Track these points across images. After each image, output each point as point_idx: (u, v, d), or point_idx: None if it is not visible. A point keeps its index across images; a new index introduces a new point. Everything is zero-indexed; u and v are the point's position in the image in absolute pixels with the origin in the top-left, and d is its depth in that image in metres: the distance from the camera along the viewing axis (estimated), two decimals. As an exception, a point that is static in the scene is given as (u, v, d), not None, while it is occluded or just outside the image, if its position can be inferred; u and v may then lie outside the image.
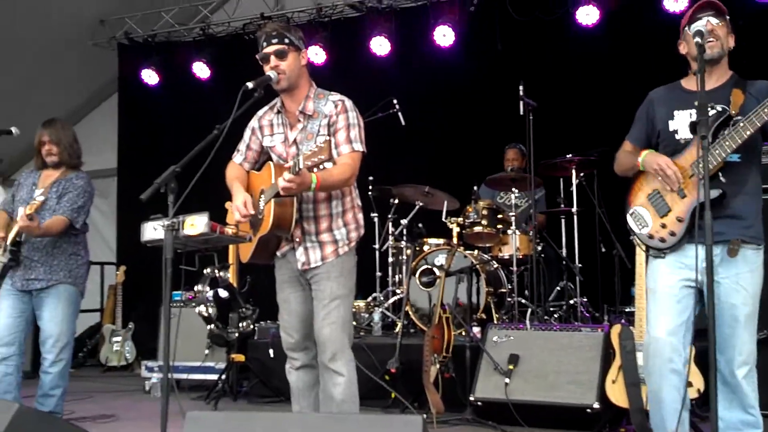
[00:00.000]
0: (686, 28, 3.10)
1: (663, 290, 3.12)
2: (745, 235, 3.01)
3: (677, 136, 3.12)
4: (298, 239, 3.43)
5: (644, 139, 3.29)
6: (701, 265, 2.89)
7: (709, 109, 2.90)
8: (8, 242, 4.48)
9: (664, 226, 3.09)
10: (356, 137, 3.39)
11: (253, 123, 3.61)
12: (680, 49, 3.20)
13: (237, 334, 5.68)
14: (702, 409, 4.25)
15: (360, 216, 3.58)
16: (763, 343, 4.52)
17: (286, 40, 3.36)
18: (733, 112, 2.97)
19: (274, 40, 3.35)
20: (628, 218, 3.24)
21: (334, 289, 3.39)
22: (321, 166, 3.00)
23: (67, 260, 4.60)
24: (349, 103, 3.44)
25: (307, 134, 3.41)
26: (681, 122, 3.11)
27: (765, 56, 5.52)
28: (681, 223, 3.04)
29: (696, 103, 2.84)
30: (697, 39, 2.92)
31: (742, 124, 2.88)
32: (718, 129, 2.96)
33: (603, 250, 6.08)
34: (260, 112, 3.60)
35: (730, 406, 3.02)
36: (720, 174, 2.99)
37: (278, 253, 3.54)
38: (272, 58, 3.35)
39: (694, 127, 2.98)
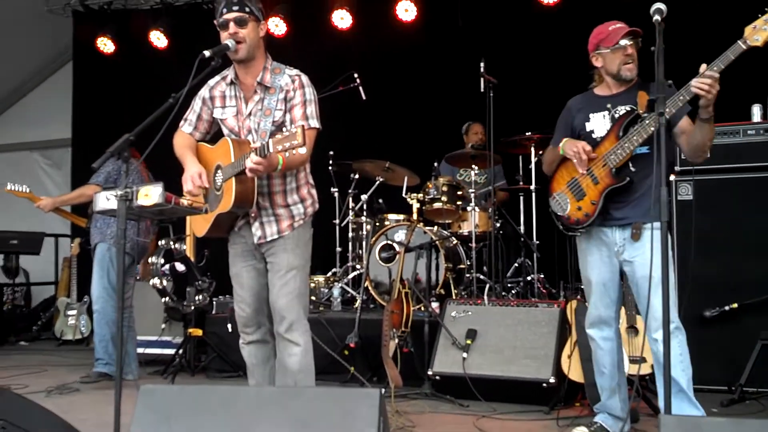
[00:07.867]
0: (607, 48, 3.45)
1: (591, 274, 3.58)
2: (646, 217, 3.37)
3: (594, 135, 3.56)
4: (253, 214, 3.39)
5: None
6: (615, 248, 3.48)
7: (620, 109, 3.47)
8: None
9: (579, 208, 3.53)
10: (312, 113, 3.38)
11: (204, 93, 3.52)
12: (593, 61, 3.56)
13: (193, 308, 5.62)
14: (654, 385, 4.32)
15: (314, 192, 3.57)
16: (713, 321, 4.68)
17: (247, 9, 3.30)
18: (641, 110, 3.39)
19: (235, 8, 3.29)
20: (551, 202, 3.66)
21: (291, 260, 3.38)
22: (294, 152, 2.96)
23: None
24: (305, 78, 3.42)
25: (264, 109, 3.36)
26: (596, 123, 3.56)
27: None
28: (594, 206, 3.48)
29: (608, 105, 3.50)
30: (657, 17, 2.95)
31: (647, 121, 3.30)
32: (629, 125, 3.40)
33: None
34: (211, 82, 3.52)
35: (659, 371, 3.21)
36: (630, 163, 3.42)
37: (235, 228, 3.50)
38: (231, 24, 3.29)
39: (630, 121, 3.40)
